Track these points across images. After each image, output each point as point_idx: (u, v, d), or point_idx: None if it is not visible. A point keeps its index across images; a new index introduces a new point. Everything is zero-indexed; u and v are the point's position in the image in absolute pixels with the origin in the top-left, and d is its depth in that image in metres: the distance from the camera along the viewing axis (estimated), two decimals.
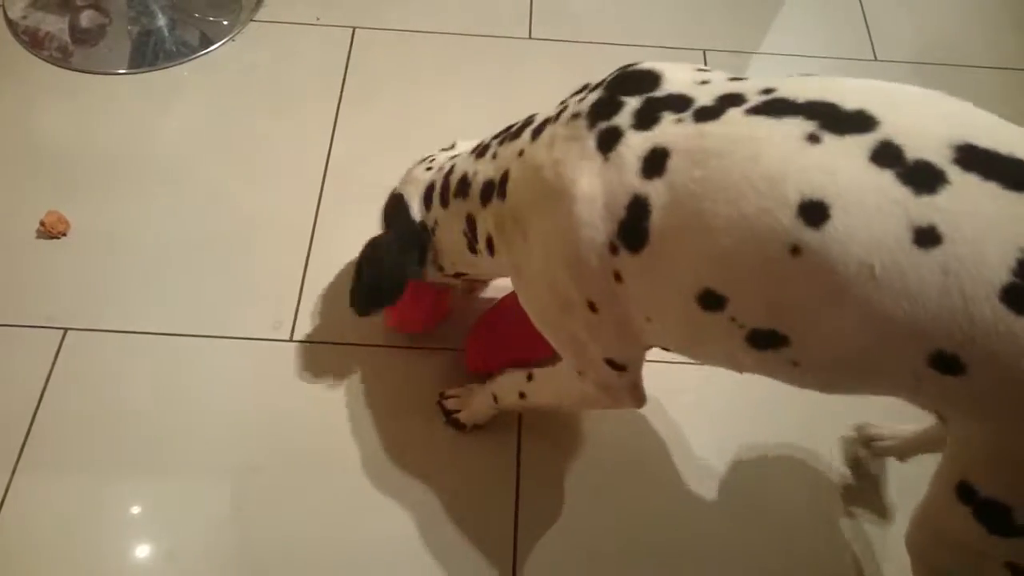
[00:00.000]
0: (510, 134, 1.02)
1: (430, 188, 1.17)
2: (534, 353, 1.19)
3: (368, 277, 1.21)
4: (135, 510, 1.23)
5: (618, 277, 0.86)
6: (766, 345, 0.79)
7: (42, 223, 1.46)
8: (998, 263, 0.65)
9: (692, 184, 0.77)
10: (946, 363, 0.69)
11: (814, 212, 0.70)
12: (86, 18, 1.80)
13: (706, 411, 1.33)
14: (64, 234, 1.46)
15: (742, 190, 0.74)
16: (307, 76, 1.73)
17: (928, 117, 0.74)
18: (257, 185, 1.56)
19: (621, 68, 0.91)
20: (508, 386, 1.20)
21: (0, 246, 1.45)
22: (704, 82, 0.84)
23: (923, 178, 0.68)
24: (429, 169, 1.20)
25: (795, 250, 0.71)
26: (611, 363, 0.97)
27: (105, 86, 1.69)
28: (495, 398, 1.22)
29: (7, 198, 1.51)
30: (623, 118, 0.84)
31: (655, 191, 0.80)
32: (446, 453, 1.28)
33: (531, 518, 1.23)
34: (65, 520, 1.20)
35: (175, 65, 1.73)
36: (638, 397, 1.05)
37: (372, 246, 1.22)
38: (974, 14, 2.00)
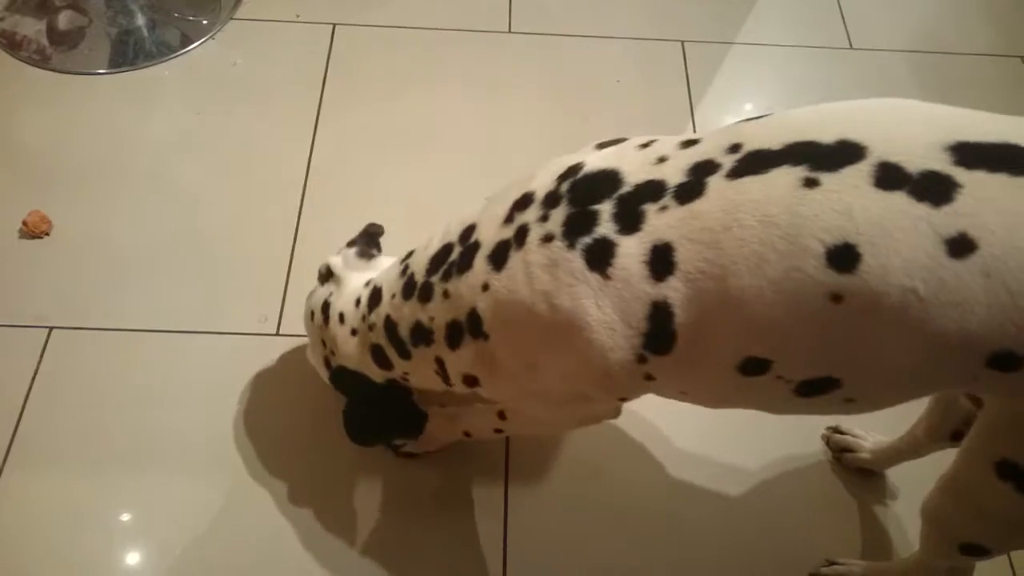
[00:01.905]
0: (455, 265, 0.91)
1: (377, 350, 1.05)
2: None
3: (385, 420, 1.14)
4: (124, 507, 1.23)
5: (650, 377, 0.84)
6: (817, 392, 0.78)
7: (24, 223, 1.45)
8: None
9: (708, 267, 0.74)
10: (1005, 361, 0.69)
11: (843, 256, 0.69)
12: (64, 19, 1.79)
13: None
14: (47, 233, 1.46)
15: (763, 256, 0.71)
16: (288, 73, 1.74)
17: (911, 126, 0.72)
18: (240, 182, 1.56)
19: (566, 176, 0.85)
20: (481, 424, 1.16)
21: None
22: (661, 159, 0.80)
23: (935, 188, 0.67)
24: (354, 332, 1.08)
25: (836, 298, 0.70)
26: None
27: (85, 87, 1.69)
28: (467, 434, 1.19)
29: None
30: (605, 227, 0.78)
31: (672, 290, 0.76)
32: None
33: (520, 519, 1.24)
34: (54, 518, 1.20)
35: (155, 65, 1.73)
36: (619, 411, 1.07)
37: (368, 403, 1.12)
38: (948, 1, 2.03)
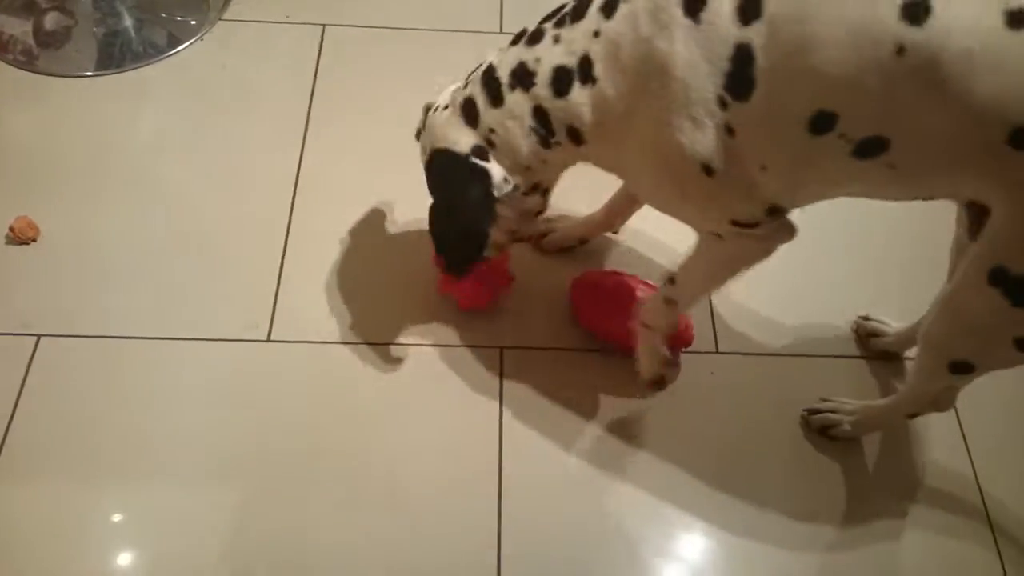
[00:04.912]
0: (570, 14, 1.00)
1: (469, 104, 1.09)
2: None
3: (450, 240, 1.16)
4: (114, 517, 1.22)
5: (730, 131, 0.90)
6: (870, 153, 0.85)
7: (11, 229, 1.43)
8: None
9: (793, 11, 0.81)
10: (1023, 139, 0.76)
11: (916, 9, 0.76)
12: (51, 20, 1.77)
13: (688, 399, 1.35)
14: (34, 240, 1.44)
15: (843, 2, 0.79)
16: (278, 75, 1.72)
17: None
18: (229, 185, 1.55)
19: None
20: (654, 310, 1.17)
21: None
22: None
23: None
24: (448, 107, 1.13)
25: (900, 50, 0.77)
26: (737, 223, 0.99)
27: (72, 88, 1.67)
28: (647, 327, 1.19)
29: None
30: None
31: (756, 34, 0.84)
32: (429, 452, 1.28)
33: (514, 516, 1.24)
34: (43, 528, 1.19)
35: (143, 66, 1.71)
36: (788, 232, 1.03)
37: (443, 211, 1.14)
38: None
